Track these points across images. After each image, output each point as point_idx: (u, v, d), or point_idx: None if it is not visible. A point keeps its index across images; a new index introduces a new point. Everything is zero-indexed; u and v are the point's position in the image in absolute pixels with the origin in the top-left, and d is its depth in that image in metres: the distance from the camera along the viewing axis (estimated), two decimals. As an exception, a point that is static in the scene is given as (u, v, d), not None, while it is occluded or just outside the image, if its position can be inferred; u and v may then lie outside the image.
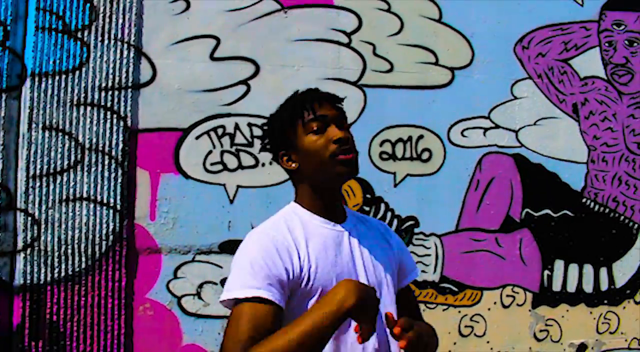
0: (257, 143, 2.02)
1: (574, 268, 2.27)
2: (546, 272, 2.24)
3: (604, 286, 2.31)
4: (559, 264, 2.26)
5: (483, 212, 2.17)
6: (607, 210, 2.32)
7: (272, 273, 0.87)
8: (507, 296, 2.19)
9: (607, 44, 2.38)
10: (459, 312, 2.13)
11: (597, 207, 2.32)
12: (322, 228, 0.97)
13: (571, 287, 2.27)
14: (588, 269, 2.30)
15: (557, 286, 2.25)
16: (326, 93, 1.01)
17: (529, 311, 2.21)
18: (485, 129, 2.19)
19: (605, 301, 2.31)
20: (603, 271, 2.31)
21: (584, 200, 2.31)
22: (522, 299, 2.21)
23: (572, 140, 2.30)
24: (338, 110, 1.00)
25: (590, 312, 2.30)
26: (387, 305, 0.97)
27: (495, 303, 2.17)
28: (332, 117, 0.97)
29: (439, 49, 2.19)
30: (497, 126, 2.21)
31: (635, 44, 2.41)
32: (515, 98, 2.25)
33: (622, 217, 2.35)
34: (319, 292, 0.89)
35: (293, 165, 0.99)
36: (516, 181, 2.21)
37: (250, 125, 2.03)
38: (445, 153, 2.16)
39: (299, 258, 0.91)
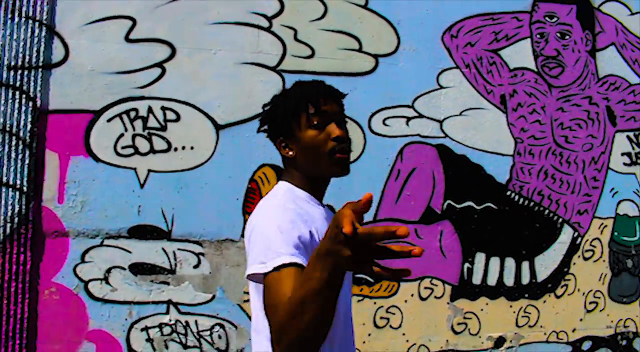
0: (171, 127, 2.31)
1: (495, 261, 2.62)
2: (466, 265, 2.59)
3: (525, 279, 2.67)
4: (480, 257, 2.61)
5: (403, 203, 2.50)
6: (531, 203, 2.68)
7: (300, 241, 1.05)
8: (425, 288, 2.53)
9: (538, 36, 2.73)
10: (375, 303, 2.46)
11: (521, 200, 2.67)
12: (317, 208, 1.21)
13: (492, 281, 2.62)
14: (510, 262, 2.65)
15: (477, 279, 2.60)
16: (331, 88, 1.24)
17: (447, 303, 2.55)
18: (409, 119, 2.52)
19: (526, 295, 2.67)
20: (525, 265, 2.67)
21: (508, 193, 2.66)
22: (441, 291, 2.55)
23: (499, 132, 2.64)
24: (340, 107, 1.23)
25: (510, 306, 2.66)
26: (347, 291, 1.22)
27: (412, 295, 2.51)
28: (334, 114, 1.20)
29: (364, 36, 2.50)
30: (420, 116, 2.54)
31: (567, 37, 2.76)
32: (441, 87, 2.58)
33: (546, 211, 2.70)
34: None
35: (290, 153, 1.21)
36: (438, 172, 2.55)
37: (164, 108, 2.32)
38: (365, 142, 2.48)
39: (314, 232, 1.12)
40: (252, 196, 2.37)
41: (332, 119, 1.19)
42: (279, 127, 1.22)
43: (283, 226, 1.07)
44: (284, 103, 1.22)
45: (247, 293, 2.23)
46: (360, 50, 2.50)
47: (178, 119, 2.33)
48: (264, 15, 2.42)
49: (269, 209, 1.14)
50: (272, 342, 0.93)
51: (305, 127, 1.18)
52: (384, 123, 2.50)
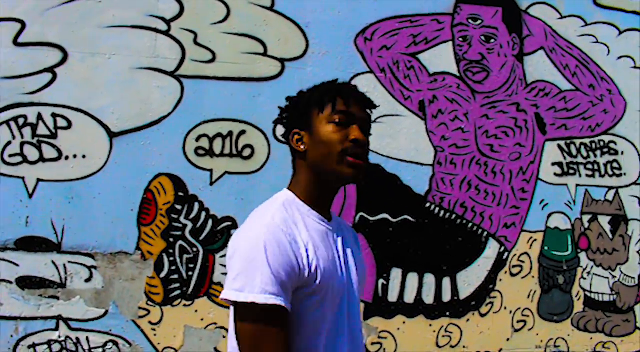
0: (61, 134, 2.81)
1: (413, 277, 3.16)
2: (381, 281, 3.12)
3: (447, 297, 3.21)
4: (396, 273, 3.14)
5: (310, 215, 3.02)
6: (453, 216, 3.23)
7: (288, 276, 1.25)
8: (335, 304, 3.04)
9: (461, 39, 3.31)
10: None
11: (442, 212, 3.22)
12: (319, 225, 1.39)
13: (409, 298, 3.15)
14: (429, 278, 3.19)
15: (393, 297, 3.13)
16: (363, 94, 1.45)
17: (361, 322, 3.06)
18: (317, 126, 3.05)
19: (448, 313, 3.21)
20: (446, 281, 3.21)
21: (427, 205, 3.21)
22: (353, 308, 3.06)
23: (417, 140, 3.20)
24: (368, 116, 1.44)
25: (430, 325, 3.19)
26: (356, 308, 1.46)
27: (321, 312, 3.01)
28: (359, 117, 1.40)
29: (269, 39, 3.06)
30: (330, 123, 3.07)
31: (492, 40, 3.36)
32: (353, 94, 3.12)
33: (470, 224, 3.26)
34: (322, 291, 1.31)
35: (302, 147, 1.40)
36: (349, 182, 3.08)
37: (54, 115, 2.83)
38: (269, 150, 3.01)
39: (308, 257, 1.30)
40: (148, 207, 2.87)
41: (356, 122, 1.39)
42: (298, 116, 1.43)
43: (270, 254, 1.25)
44: (310, 93, 1.44)
45: (142, 309, 2.74)
46: (265, 54, 3.05)
47: (69, 126, 2.83)
48: (162, 18, 2.96)
49: (257, 227, 1.30)
50: None
51: (325, 121, 1.37)
52: (290, 131, 3.02)
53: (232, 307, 1.33)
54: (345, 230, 1.54)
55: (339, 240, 1.44)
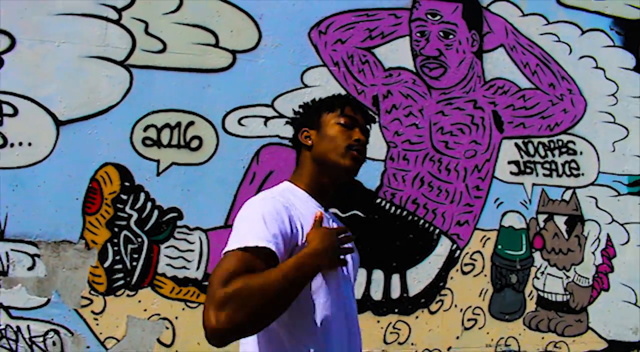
0: (7, 122, 2.96)
1: (361, 274, 3.32)
2: (328, 275, 3.27)
3: (395, 293, 3.38)
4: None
5: (258, 208, 3.18)
6: (404, 212, 3.40)
7: (280, 229, 1.46)
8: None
9: (418, 34, 3.47)
10: None
11: (393, 208, 3.39)
12: (314, 208, 1.64)
13: (357, 294, 3.31)
14: (378, 274, 3.36)
15: (340, 291, 3.29)
16: (367, 111, 1.81)
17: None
18: (267, 118, 3.22)
19: (396, 310, 3.38)
20: (395, 278, 3.38)
21: (378, 200, 3.38)
22: (299, 303, 3.23)
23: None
24: (369, 127, 1.78)
25: (378, 322, 3.36)
26: (351, 297, 1.68)
27: (266, 305, 3.18)
28: (362, 125, 1.74)
29: (222, 30, 3.22)
30: (281, 116, 3.24)
31: (451, 36, 3.52)
32: (306, 86, 3.29)
33: (421, 221, 3.43)
34: None
35: (309, 141, 1.71)
36: (299, 176, 3.24)
37: (0, 102, 2.97)
38: (218, 142, 3.17)
39: (302, 228, 1.54)
40: (93, 196, 3.03)
41: (359, 126, 1.72)
42: (309, 116, 1.77)
43: (266, 214, 1.48)
44: (323, 99, 1.79)
45: (85, 298, 2.89)
46: (216, 45, 3.20)
47: (15, 113, 2.99)
48: (114, 7, 3.11)
49: (256, 200, 1.57)
50: (209, 306, 1.33)
51: (333, 122, 1.70)
52: (239, 123, 3.19)
53: None
54: (338, 223, 1.78)
55: (333, 226, 1.69)
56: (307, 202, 1.65)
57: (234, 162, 3.21)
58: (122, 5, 3.13)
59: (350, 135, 1.68)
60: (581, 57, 3.84)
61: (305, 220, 1.58)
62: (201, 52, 3.21)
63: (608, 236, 3.86)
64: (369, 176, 3.40)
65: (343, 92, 3.35)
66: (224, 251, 1.44)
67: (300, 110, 1.83)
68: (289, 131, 3.21)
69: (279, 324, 1.50)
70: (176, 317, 3.10)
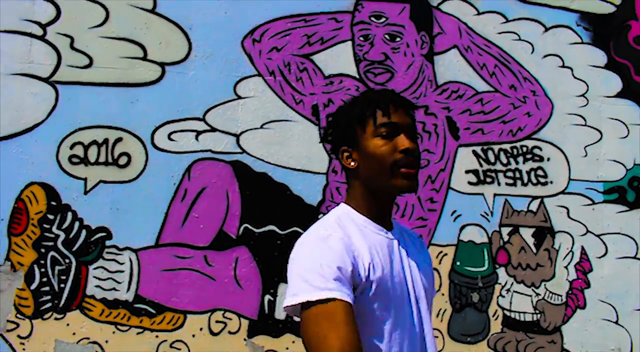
0: None
1: (303, 292, 3.61)
2: (267, 297, 3.59)
3: (342, 314, 3.64)
4: (284, 288, 3.60)
5: (190, 226, 3.53)
6: (349, 227, 3.68)
7: (344, 277, 1.52)
8: (217, 321, 3.54)
9: (361, 38, 3.80)
10: (157, 337, 3.48)
11: (336, 223, 3.67)
12: (377, 235, 1.68)
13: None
14: (322, 294, 3.63)
15: (281, 314, 3.59)
16: (402, 97, 1.72)
17: (245, 340, 3.56)
18: (199, 132, 3.56)
19: (343, 332, 3.64)
20: (341, 297, 3.65)
21: (320, 216, 3.67)
22: (236, 326, 3.56)
23: (309, 147, 3.69)
24: (411, 119, 1.70)
25: (323, 344, 3.63)
26: (426, 319, 1.73)
27: (201, 329, 3.51)
28: (404, 125, 1.67)
29: (150, 43, 3.60)
30: (213, 129, 3.58)
31: (397, 39, 3.84)
32: (239, 98, 3.64)
33: (368, 237, 3.70)
34: (380, 300, 1.60)
35: (352, 163, 1.70)
36: (233, 191, 3.59)
37: None
38: (147, 158, 3.53)
39: (364, 265, 1.58)
40: (18, 216, 3.42)
41: (402, 130, 1.67)
42: (343, 135, 1.73)
43: (321, 258, 1.54)
44: (350, 109, 1.73)
45: (11, 322, 3.23)
46: (145, 58, 3.57)
47: (-61, 134, 3.38)
48: (38, 23, 3.51)
49: (313, 238, 1.63)
50: None
51: (371, 136, 1.66)
52: (169, 138, 3.55)
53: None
54: (408, 239, 1.84)
55: (401, 250, 1.74)
56: (366, 227, 1.69)
57: (164, 179, 3.56)
58: (47, 20, 3.55)
59: (395, 145, 1.65)
60: (545, 56, 4.12)
61: (367, 252, 1.62)
62: (129, 66, 3.59)
63: (582, 248, 4.09)
64: (310, 190, 3.72)
65: (280, 103, 3.68)
66: (287, 303, 1.57)
67: (331, 122, 1.80)
68: (221, 145, 3.57)
69: None
70: (106, 341, 3.45)
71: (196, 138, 3.61)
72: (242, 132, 3.67)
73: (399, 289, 1.66)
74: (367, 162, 1.67)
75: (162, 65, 3.62)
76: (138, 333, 3.49)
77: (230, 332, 3.58)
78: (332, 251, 1.55)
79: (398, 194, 1.74)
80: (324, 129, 1.90)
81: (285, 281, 3.54)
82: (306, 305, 1.51)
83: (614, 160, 4.18)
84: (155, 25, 3.64)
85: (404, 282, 1.69)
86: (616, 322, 4.11)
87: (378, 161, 1.65)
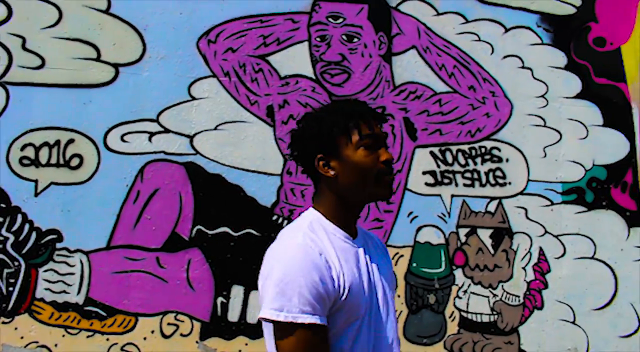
0: None
1: (256, 296, 3.57)
2: (220, 299, 3.55)
3: (296, 316, 3.61)
4: (237, 290, 3.58)
5: (142, 228, 3.49)
6: (304, 229, 3.64)
7: (322, 294, 1.59)
8: (169, 324, 3.50)
9: (318, 39, 3.75)
10: (107, 340, 3.44)
11: (291, 225, 3.63)
12: (344, 243, 1.74)
13: (252, 318, 3.58)
14: (276, 296, 3.60)
15: (234, 316, 3.57)
16: (375, 110, 1.82)
17: (197, 342, 3.52)
18: (152, 134, 3.51)
19: (297, 334, 3.61)
20: (296, 299, 3.61)
21: (274, 217, 3.64)
22: (188, 328, 3.52)
23: (263, 148, 3.65)
24: (384, 132, 1.81)
25: (277, 346, 3.60)
26: (392, 321, 1.81)
27: (153, 332, 3.47)
28: (383, 138, 1.77)
29: (103, 43, 3.55)
30: (167, 130, 3.53)
31: (355, 40, 3.79)
32: (193, 99, 3.59)
33: (323, 238, 3.66)
34: (348, 307, 1.66)
35: (331, 172, 1.73)
36: (187, 193, 3.55)
37: None
38: (99, 160, 3.48)
39: (337, 274, 1.64)
40: (-33, 220, 3.35)
41: (382, 143, 1.76)
42: (322, 143, 1.73)
43: (305, 274, 1.59)
44: (330, 118, 1.74)
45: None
46: (98, 59, 3.52)
47: None
48: (-12, 23, 3.44)
49: (290, 249, 1.65)
50: None
51: (355, 147, 1.72)
52: (122, 139, 3.50)
53: (267, 325, 1.70)
54: (371, 244, 1.90)
55: (366, 257, 1.80)
56: (335, 235, 1.74)
57: (116, 181, 3.52)
58: (-2, 20, 3.47)
59: (378, 156, 1.73)
60: (505, 57, 4.08)
61: (338, 261, 1.67)
62: (82, 67, 3.53)
63: (541, 249, 4.06)
64: (263, 191, 3.68)
65: (234, 104, 3.63)
66: (270, 317, 1.60)
67: (304, 129, 1.80)
68: (175, 146, 3.52)
69: None
70: (56, 345, 3.41)
71: (149, 139, 3.57)
72: (196, 134, 3.62)
73: (366, 296, 1.71)
74: (350, 171, 1.71)
75: (116, 66, 3.56)
76: (88, 336, 3.45)
77: (182, 335, 3.55)
78: (316, 268, 1.60)
79: (375, 201, 1.84)
80: (291, 136, 1.84)
81: (238, 283, 3.56)
82: (288, 325, 1.57)
83: (573, 161, 4.15)
84: (109, 25, 3.58)
85: (370, 289, 1.75)
86: (573, 322, 4.09)
87: (362, 171, 1.71)
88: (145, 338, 3.50)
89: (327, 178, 1.74)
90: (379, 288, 1.79)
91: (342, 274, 1.65)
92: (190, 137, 3.61)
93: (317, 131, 1.74)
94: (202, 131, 3.63)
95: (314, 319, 1.58)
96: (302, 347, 1.57)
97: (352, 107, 1.78)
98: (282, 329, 1.59)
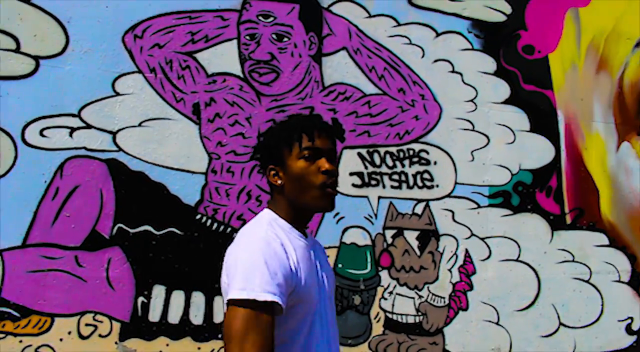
0: None
1: (178, 295, 3.52)
2: (141, 299, 3.46)
3: (219, 317, 3.55)
4: (158, 290, 3.50)
5: (61, 226, 3.38)
6: (228, 229, 3.60)
7: (282, 280, 1.71)
8: (87, 324, 3.40)
9: (248, 37, 3.70)
10: (21, 341, 3.32)
11: (215, 225, 3.58)
12: (299, 241, 1.90)
13: (174, 318, 3.51)
14: (198, 297, 3.55)
15: (154, 316, 3.49)
16: (327, 124, 1.96)
17: (116, 343, 3.43)
18: (73, 129, 3.40)
19: (220, 335, 3.55)
20: (218, 300, 3.56)
21: (198, 216, 3.57)
22: (107, 329, 3.42)
23: (188, 146, 3.58)
24: (333, 145, 1.94)
25: (199, 348, 3.55)
26: (334, 318, 1.99)
27: (70, 333, 3.36)
28: (326, 150, 1.89)
29: (24, 35, 3.42)
30: (88, 126, 3.43)
31: (285, 39, 3.74)
32: (117, 94, 3.49)
33: (248, 238, 3.61)
34: (305, 299, 1.80)
35: (279, 181, 1.90)
36: (108, 190, 3.44)
37: None
38: (16, 155, 3.35)
39: (295, 266, 1.79)
40: None
41: (323, 154, 1.89)
42: (270, 155, 1.93)
43: (268, 259, 1.72)
44: (279, 132, 1.93)
45: None
46: (17, 50, 3.38)
47: None
48: None
49: (253, 240, 1.80)
50: None
51: (296, 158, 1.87)
52: (41, 134, 3.37)
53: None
54: (317, 246, 2.07)
55: (314, 255, 1.96)
56: (290, 234, 1.89)
57: (34, 177, 3.39)
58: None
59: (318, 167, 1.86)
60: (436, 61, 4.09)
61: (295, 254, 1.82)
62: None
63: (467, 251, 4.09)
64: (187, 190, 3.61)
65: (160, 100, 3.55)
66: (231, 297, 1.69)
67: (261, 142, 1.99)
68: (97, 142, 3.42)
69: None
70: (-34, 346, 3.26)
71: (70, 135, 3.44)
72: (119, 130, 3.51)
73: (317, 291, 1.88)
74: (292, 181, 1.87)
75: (37, 58, 3.43)
76: (1, 338, 3.32)
77: (100, 336, 3.44)
78: (277, 256, 1.75)
79: (317, 212, 1.98)
80: (254, 148, 2.02)
81: (160, 282, 3.47)
82: (246, 302, 1.66)
83: (500, 166, 4.19)
84: (30, 17, 3.43)
85: (320, 285, 1.93)
86: (497, 323, 4.13)
87: (302, 181, 1.86)
88: (61, 339, 3.38)
89: (276, 186, 1.92)
90: (326, 283, 1.98)
91: (299, 267, 1.80)
92: (113, 134, 3.50)
93: (267, 143, 1.95)
94: (125, 127, 3.52)
95: (274, 298, 1.67)
96: (252, 323, 1.64)
97: (299, 121, 1.95)
98: (240, 307, 1.66)
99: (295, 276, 1.78)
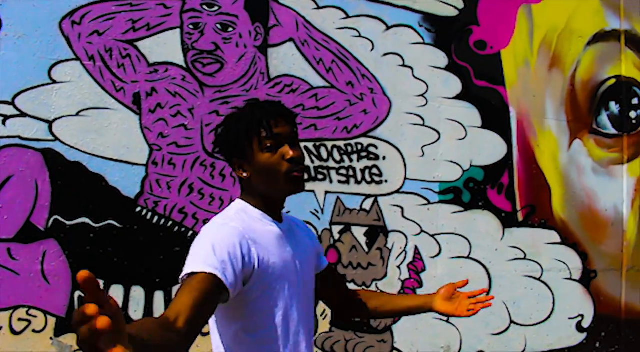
0: None
1: (117, 290, 3.41)
2: (77, 293, 3.33)
3: (159, 312, 3.43)
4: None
5: (-7, 217, 3.23)
6: (169, 222, 3.49)
7: (229, 258, 1.67)
8: (20, 319, 3.26)
9: (191, 26, 3.60)
10: None
11: (156, 218, 3.48)
12: (270, 226, 1.91)
13: (111, 313, 3.36)
14: (138, 292, 3.43)
15: (91, 310, 3.34)
16: (283, 108, 1.93)
17: (51, 339, 3.29)
18: (6, 117, 3.28)
19: (158, 331, 3.43)
20: (159, 296, 3.46)
21: (138, 209, 3.46)
22: (42, 324, 3.29)
23: (128, 136, 3.46)
24: (293, 127, 1.91)
25: (136, 344, 3.41)
26: (310, 300, 2.01)
27: (1, 328, 3.22)
28: (286, 135, 1.87)
29: (-45, 19, 3.26)
30: (23, 114, 3.30)
31: (230, 29, 3.65)
32: (54, 82, 3.37)
33: (190, 232, 3.52)
34: (265, 279, 1.79)
35: (245, 174, 1.90)
36: (44, 181, 3.32)
37: None
38: (-54, 144, 3.20)
39: (257, 251, 1.78)
40: None
41: (285, 141, 1.87)
42: (232, 149, 1.91)
43: (217, 242, 1.70)
44: (236, 126, 1.89)
45: None
46: (-52, 35, 3.26)
47: None
48: None
49: (211, 225, 1.83)
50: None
51: (258, 151, 1.85)
52: (-30, 122, 3.24)
53: (211, 319, 1.84)
54: (296, 228, 2.09)
55: (292, 239, 1.97)
56: (261, 220, 1.90)
57: (-27, 169, 3.26)
58: None
59: (282, 155, 1.85)
60: (385, 54, 4.03)
61: (262, 241, 1.83)
62: None
63: (416, 248, 4.02)
64: (127, 181, 3.49)
65: (99, 89, 3.44)
66: (181, 276, 1.69)
67: (220, 134, 1.95)
68: (32, 131, 3.30)
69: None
70: None
71: (3, 123, 3.31)
72: (55, 119, 3.38)
73: (288, 274, 1.87)
74: (259, 173, 1.87)
75: (-32, 44, 3.33)
76: None
77: (34, 331, 3.30)
78: (226, 237, 1.73)
79: (287, 196, 1.95)
80: (213, 142, 2.00)
81: (98, 276, 3.34)
82: (185, 277, 1.65)
83: (451, 161, 4.14)
84: (-39, 0, 3.34)
85: (293, 268, 1.91)
86: (447, 321, 4.06)
87: (269, 173, 1.85)
88: (-9, 335, 3.26)
89: (243, 178, 1.92)
90: (305, 269, 1.98)
91: (265, 252, 1.80)
92: (50, 123, 3.37)
93: (226, 138, 1.92)
94: (62, 117, 3.39)
95: (215, 271, 1.63)
96: (184, 288, 1.59)
97: (254, 113, 1.88)
98: (184, 282, 1.64)
99: (255, 257, 1.77)
